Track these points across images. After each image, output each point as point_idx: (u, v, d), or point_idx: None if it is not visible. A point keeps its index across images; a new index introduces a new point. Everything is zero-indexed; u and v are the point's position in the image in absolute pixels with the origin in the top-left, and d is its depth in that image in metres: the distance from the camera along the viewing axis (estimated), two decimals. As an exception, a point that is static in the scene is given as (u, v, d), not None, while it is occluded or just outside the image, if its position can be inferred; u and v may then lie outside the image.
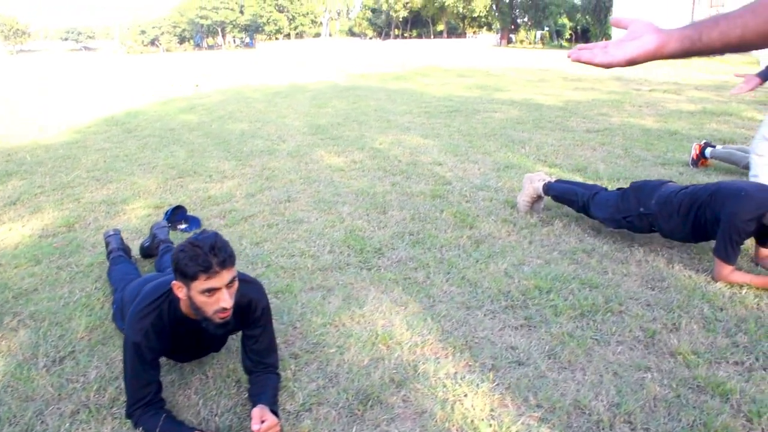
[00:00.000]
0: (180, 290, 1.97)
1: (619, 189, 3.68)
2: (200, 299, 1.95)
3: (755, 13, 1.02)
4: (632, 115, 8.90)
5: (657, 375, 2.29)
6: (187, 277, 1.92)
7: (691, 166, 5.52)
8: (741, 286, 2.97)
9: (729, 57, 28.47)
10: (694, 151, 5.54)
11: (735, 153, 5.34)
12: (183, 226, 4.14)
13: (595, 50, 1.17)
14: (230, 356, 2.50)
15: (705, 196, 3.13)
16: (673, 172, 5.38)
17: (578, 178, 5.09)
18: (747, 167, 5.09)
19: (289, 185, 5.14)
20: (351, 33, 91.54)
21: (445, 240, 3.67)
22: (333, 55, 34.78)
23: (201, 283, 1.91)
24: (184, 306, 2.06)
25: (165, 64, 30.81)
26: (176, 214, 4.18)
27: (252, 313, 2.18)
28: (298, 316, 2.83)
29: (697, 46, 1.11)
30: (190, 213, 4.33)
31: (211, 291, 1.92)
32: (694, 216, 3.14)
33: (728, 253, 2.97)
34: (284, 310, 2.88)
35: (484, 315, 2.75)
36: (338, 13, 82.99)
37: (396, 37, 71.73)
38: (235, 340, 2.50)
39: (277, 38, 76.82)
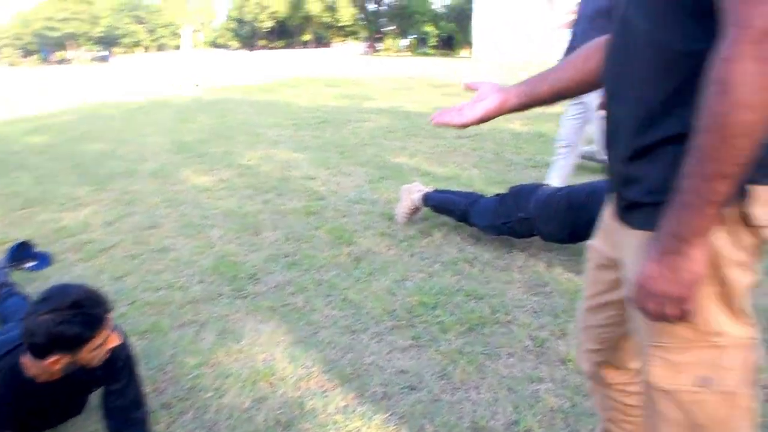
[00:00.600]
0: (54, 364, 1.70)
1: (497, 195, 3.68)
2: (90, 356, 1.73)
3: (572, 68, 1.34)
4: (501, 120, 9.17)
5: (551, 385, 2.25)
6: (79, 343, 1.68)
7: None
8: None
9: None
10: None
11: (600, 152, 5.60)
12: (30, 264, 3.68)
13: (452, 113, 1.42)
14: (90, 417, 2.18)
15: (581, 197, 3.17)
16: (543, 174, 5.54)
17: (454, 185, 5.10)
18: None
19: (153, 210, 4.76)
20: (214, 45, 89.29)
21: (323, 260, 3.51)
22: (196, 67, 33.65)
23: (96, 341, 1.72)
24: (35, 370, 1.76)
25: (5, 79, 28.39)
26: (22, 251, 3.71)
27: (113, 365, 1.91)
28: (168, 358, 2.55)
29: (532, 100, 1.39)
30: (38, 249, 3.87)
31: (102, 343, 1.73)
32: (572, 217, 3.18)
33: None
34: (152, 352, 2.59)
35: (370, 338, 2.61)
36: (201, 24, 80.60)
37: (262, 48, 70.74)
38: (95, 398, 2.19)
39: (135, 51, 73.44)
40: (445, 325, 2.67)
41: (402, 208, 4.04)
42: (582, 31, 4.05)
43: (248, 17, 72.02)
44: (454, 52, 61.45)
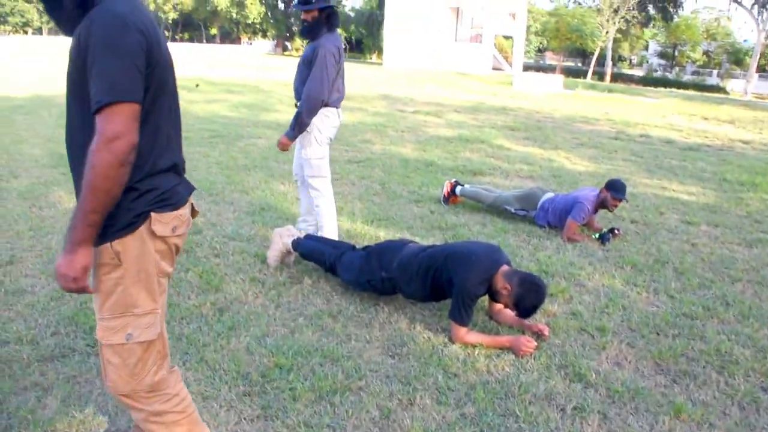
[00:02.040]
0: None
1: (364, 248, 3.79)
2: None
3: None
4: (394, 142, 9.37)
5: (387, 463, 2.35)
6: None
7: (443, 203, 5.93)
8: (475, 347, 3.20)
9: (487, 76, 31.55)
10: (446, 189, 5.96)
11: (481, 192, 5.83)
12: None
13: None
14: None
15: (440, 259, 3.33)
16: (425, 210, 5.73)
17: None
18: (492, 206, 5.61)
19: (15, 240, 4.53)
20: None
21: (186, 309, 3.47)
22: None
23: None
24: None
25: None
26: None
27: None
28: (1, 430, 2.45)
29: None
30: None
31: None
32: (431, 279, 3.33)
33: (462, 316, 3.18)
34: (-16, 421, 2.48)
35: (220, 406, 2.63)
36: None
37: (166, 39, 68.33)
38: None
39: (25, 32, 69.06)
40: (296, 393, 2.71)
41: (273, 252, 4.07)
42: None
43: (151, 6, 69.39)
44: (364, 56, 61.79)
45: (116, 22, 1.62)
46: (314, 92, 4.07)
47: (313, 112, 4.14)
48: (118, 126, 1.57)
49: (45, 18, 67.31)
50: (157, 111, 1.76)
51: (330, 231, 4.41)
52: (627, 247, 5.00)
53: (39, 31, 69.08)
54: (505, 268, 3.28)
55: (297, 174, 4.64)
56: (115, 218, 1.69)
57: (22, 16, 65.94)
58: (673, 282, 4.31)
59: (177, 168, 1.90)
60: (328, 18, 4.09)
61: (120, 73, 1.60)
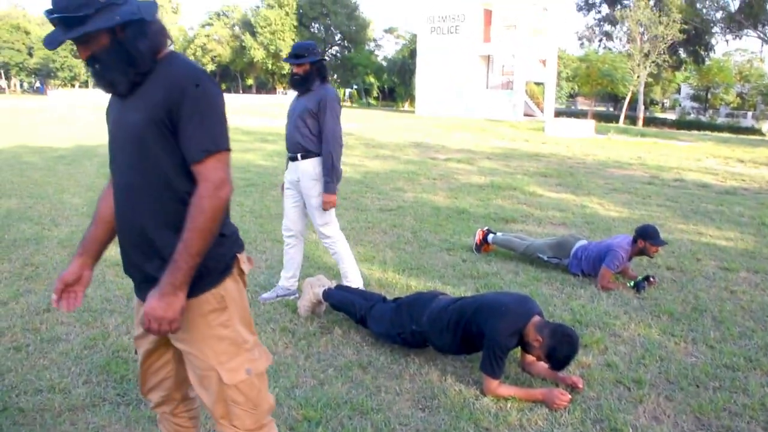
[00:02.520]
0: None
1: (395, 300, 3.76)
2: None
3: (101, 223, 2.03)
4: (426, 190, 9.39)
5: None
6: None
7: (475, 251, 5.87)
8: (507, 400, 3.11)
9: (518, 122, 31.65)
10: (478, 237, 5.91)
11: (513, 240, 5.77)
12: None
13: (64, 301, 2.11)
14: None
15: (470, 311, 3.28)
16: (457, 259, 5.68)
17: (365, 269, 5.16)
18: (525, 253, 5.53)
19: (53, 288, 4.60)
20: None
21: (217, 360, 3.47)
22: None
23: None
24: None
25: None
26: None
27: None
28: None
29: (98, 252, 2.10)
30: None
31: None
32: (462, 331, 3.28)
33: (494, 368, 3.11)
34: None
35: (248, 460, 2.58)
36: (142, 62, 79.56)
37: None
38: None
39: (73, 85, 71.86)
40: (324, 447, 2.67)
41: (304, 302, 4.06)
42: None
43: (191, 58, 71.75)
44: (397, 104, 62.64)
45: (207, 76, 1.74)
46: (339, 138, 4.20)
47: (340, 157, 4.22)
48: (222, 173, 1.69)
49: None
50: None
51: (354, 275, 4.41)
52: (663, 295, 4.87)
53: (85, 84, 71.75)
54: (536, 319, 3.21)
55: (292, 229, 4.52)
56: (214, 265, 1.78)
57: (71, 71, 68.65)
58: (712, 331, 4.16)
59: None
60: (319, 70, 4.21)
61: (220, 123, 1.72)
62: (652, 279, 5.04)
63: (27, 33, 70.77)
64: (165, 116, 1.68)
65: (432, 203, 8.28)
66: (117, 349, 3.60)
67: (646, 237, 5.06)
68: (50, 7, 1.64)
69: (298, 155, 4.26)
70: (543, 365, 3.38)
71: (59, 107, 32.78)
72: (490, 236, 5.85)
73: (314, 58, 4.15)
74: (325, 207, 4.23)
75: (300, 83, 4.22)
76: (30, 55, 70.61)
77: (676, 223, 7.73)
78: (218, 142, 1.70)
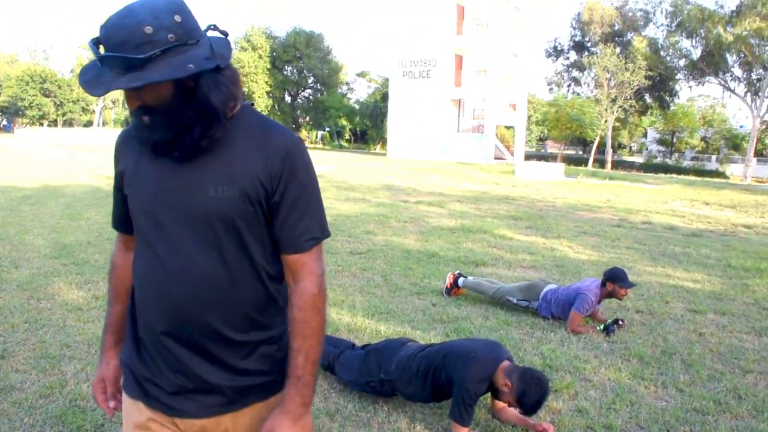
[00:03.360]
0: None
1: (363, 347, 3.71)
2: None
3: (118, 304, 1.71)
4: (396, 233, 9.38)
5: None
6: None
7: (445, 295, 5.85)
8: (473, 446, 3.06)
9: (489, 165, 32.07)
10: (449, 281, 5.90)
11: (483, 283, 5.77)
12: None
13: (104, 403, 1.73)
14: None
15: (439, 358, 3.24)
16: (427, 303, 5.64)
17: (334, 314, 5.10)
18: (494, 297, 5.53)
19: (9, 333, 4.46)
20: (127, 123, 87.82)
21: (179, 409, 3.36)
22: (102, 148, 32.85)
23: None
24: None
25: None
26: None
27: None
28: None
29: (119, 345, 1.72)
30: None
31: None
32: (432, 379, 3.23)
33: (462, 416, 3.06)
34: None
35: None
36: (113, 102, 79.33)
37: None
38: None
39: (41, 124, 71.15)
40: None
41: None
42: None
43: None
44: (369, 146, 63.15)
45: (304, 147, 1.46)
46: None
47: None
48: (323, 263, 1.48)
49: (60, 111, 69.57)
50: None
51: None
52: (633, 339, 4.89)
53: (54, 123, 71.15)
54: (505, 363, 3.18)
55: None
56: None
57: (39, 109, 68.06)
58: (681, 375, 4.17)
59: None
60: None
61: (322, 207, 1.48)
62: (621, 322, 5.07)
63: (-5, 71, 70.21)
64: (262, 191, 1.38)
65: (402, 246, 8.27)
66: (74, 398, 3.47)
67: (615, 280, 5.10)
68: (98, 38, 1.26)
69: None
70: (513, 412, 3.34)
71: (26, 146, 32.37)
72: (461, 280, 5.84)
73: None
74: None
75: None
76: (-2, 93, 69.92)
77: (644, 265, 7.82)
78: (325, 226, 1.47)
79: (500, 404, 3.37)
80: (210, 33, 1.35)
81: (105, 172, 18.32)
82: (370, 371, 3.45)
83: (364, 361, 3.53)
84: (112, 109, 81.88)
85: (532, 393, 3.03)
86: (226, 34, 1.37)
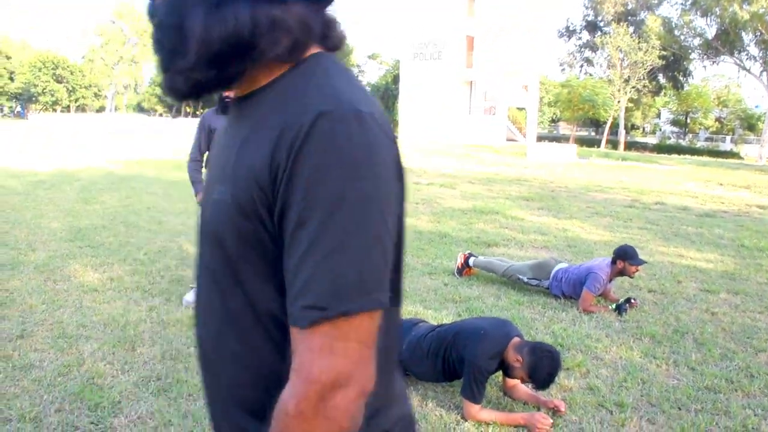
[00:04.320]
0: None
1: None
2: None
3: None
4: (408, 214, 9.29)
5: None
6: None
7: (456, 275, 5.86)
8: (488, 425, 3.08)
9: (501, 147, 31.93)
10: (460, 260, 5.90)
11: (494, 262, 5.78)
12: None
13: None
14: None
15: (449, 338, 3.26)
16: (439, 283, 5.66)
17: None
18: (505, 275, 5.54)
19: (27, 313, 4.53)
20: (139, 108, 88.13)
21: (194, 386, 3.41)
22: (115, 133, 33.02)
23: None
24: None
25: None
26: None
27: None
28: None
29: None
30: None
31: None
32: (442, 359, 3.26)
33: (474, 393, 3.08)
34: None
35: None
36: (125, 87, 79.55)
37: (187, 114, 70.23)
38: None
39: (54, 110, 71.52)
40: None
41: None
42: None
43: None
44: (380, 129, 63.02)
45: (363, 133, 0.81)
46: None
47: None
48: (345, 363, 0.78)
49: (73, 97, 69.91)
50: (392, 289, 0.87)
51: None
52: (645, 318, 4.88)
53: (67, 108, 71.51)
54: (516, 340, 3.20)
55: None
56: None
57: (52, 95, 68.40)
58: (693, 353, 4.17)
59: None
60: None
61: (366, 252, 0.79)
62: (633, 301, 5.06)
63: (8, 57, 70.55)
64: (261, 199, 0.84)
65: (414, 227, 8.27)
66: (92, 376, 3.52)
67: (625, 257, 5.09)
68: None
69: None
70: (525, 389, 3.36)
71: (41, 131, 32.58)
72: (472, 259, 5.84)
73: None
74: None
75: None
76: (11, 79, 70.30)
77: (657, 245, 7.78)
78: (353, 293, 0.78)
79: (512, 382, 3.39)
80: None
81: (118, 156, 18.43)
82: (380, 351, 3.47)
83: (375, 340, 3.55)
84: (124, 94, 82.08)
85: (543, 366, 3.04)
86: None
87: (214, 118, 4.62)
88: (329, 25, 0.93)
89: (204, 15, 0.83)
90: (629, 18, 49.35)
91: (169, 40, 0.88)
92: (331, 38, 0.93)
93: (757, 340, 4.47)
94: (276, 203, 0.81)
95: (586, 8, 53.61)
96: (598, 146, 44.81)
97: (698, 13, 44.65)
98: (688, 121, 60.35)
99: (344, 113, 0.81)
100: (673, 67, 50.01)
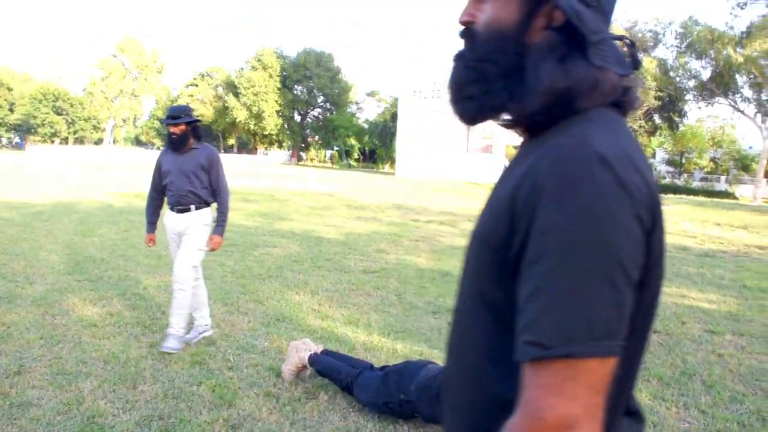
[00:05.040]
0: None
1: (382, 369, 3.68)
2: None
3: None
4: (408, 252, 9.36)
5: None
6: None
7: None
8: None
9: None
10: None
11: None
12: None
13: None
14: None
15: None
16: (442, 322, 5.60)
17: (349, 332, 5.08)
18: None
19: (25, 348, 4.45)
20: (137, 142, 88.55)
21: (197, 426, 3.33)
22: (113, 166, 33.08)
23: None
24: None
25: None
26: None
27: None
28: None
29: None
30: None
31: None
32: None
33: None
34: None
35: None
36: (124, 120, 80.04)
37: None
38: None
39: (53, 141, 71.80)
40: None
41: (288, 365, 3.96)
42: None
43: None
44: (377, 165, 63.35)
45: (605, 189, 0.81)
46: (228, 190, 4.89)
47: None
48: (573, 406, 0.78)
49: (72, 129, 70.23)
50: (633, 338, 0.90)
51: (206, 310, 4.97)
52: (651, 359, 4.83)
53: (65, 140, 71.77)
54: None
55: (186, 277, 4.73)
56: None
57: (51, 127, 68.71)
58: (702, 396, 4.11)
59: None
60: (194, 130, 4.76)
61: (597, 298, 0.80)
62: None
63: (10, 89, 71.08)
64: (503, 230, 0.90)
65: (415, 265, 8.24)
66: (92, 415, 3.45)
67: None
68: None
69: (192, 207, 4.74)
70: None
71: (39, 162, 32.60)
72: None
73: (189, 119, 4.68)
74: (215, 247, 4.87)
75: (178, 142, 4.71)
76: (11, 110, 70.71)
77: (659, 285, 7.74)
78: (580, 335, 0.79)
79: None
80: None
81: (116, 189, 18.42)
82: (389, 392, 3.41)
83: (383, 381, 3.49)
84: (123, 127, 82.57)
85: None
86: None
87: (164, 156, 4.92)
88: (626, 91, 0.98)
89: (552, 67, 0.91)
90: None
91: (497, 77, 0.97)
92: (623, 102, 0.98)
93: (765, 383, 4.42)
94: (515, 236, 0.87)
95: (582, 49, 54.36)
96: (595, 185, 44.88)
97: (693, 55, 45.37)
98: (684, 161, 60.85)
99: (585, 157, 0.83)
100: (668, 107, 50.60)
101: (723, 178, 57.38)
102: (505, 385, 0.91)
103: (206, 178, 4.76)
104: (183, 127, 4.67)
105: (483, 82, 0.99)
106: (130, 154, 54.40)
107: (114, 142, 79.40)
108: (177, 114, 4.68)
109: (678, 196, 35.75)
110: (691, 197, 34.91)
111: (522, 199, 0.86)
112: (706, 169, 62.05)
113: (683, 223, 16.35)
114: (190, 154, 4.74)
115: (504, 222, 0.89)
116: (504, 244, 0.89)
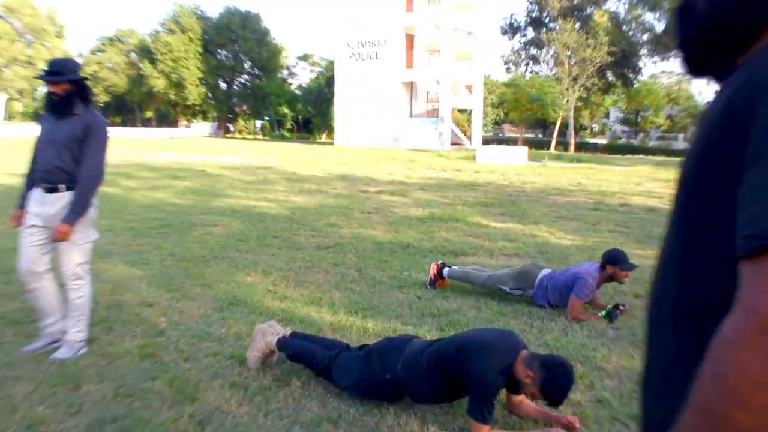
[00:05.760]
0: None
1: (361, 348, 3.63)
2: None
3: None
4: (362, 225, 9.32)
5: None
6: None
7: (429, 288, 5.80)
8: (498, 447, 3.02)
9: (446, 151, 32.29)
10: (432, 272, 5.84)
11: (471, 272, 5.75)
12: None
13: None
14: None
15: (451, 351, 3.19)
16: (411, 297, 5.60)
17: (313, 312, 5.01)
18: (485, 285, 5.52)
19: None
20: (37, 117, 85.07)
21: (160, 425, 3.21)
22: (10, 144, 31.67)
23: None
24: None
25: None
26: None
27: None
28: None
29: None
30: None
31: None
32: (444, 376, 3.17)
33: (483, 413, 3.00)
34: None
35: None
36: (20, 93, 76.57)
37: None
38: None
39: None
40: None
41: (254, 351, 3.86)
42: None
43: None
44: (313, 135, 62.83)
45: None
46: (100, 170, 4.13)
47: (97, 192, 4.14)
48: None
49: None
50: None
51: (84, 327, 4.24)
52: (637, 324, 4.94)
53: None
54: (524, 353, 3.15)
55: (38, 271, 4.20)
56: None
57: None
58: None
59: None
60: (81, 91, 4.07)
61: None
62: (622, 307, 5.12)
63: None
64: (720, 152, 0.95)
65: (372, 238, 8.21)
66: (31, 423, 3.26)
67: (616, 262, 5.15)
68: None
69: (61, 186, 4.05)
70: (532, 405, 3.32)
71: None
72: (446, 270, 5.80)
73: (74, 77, 4.02)
74: (58, 238, 4.01)
75: (59, 105, 4.03)
76: None
77: (632, 248, 7.92)
78: None
79: (517, 398, 3.34)
80: None
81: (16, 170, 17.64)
82: (373, 373, 3.37)
83: (365, 362, 3.44)
84: (19, 100, 78.96)
85: (557, 380, 2.99)
86: None
87: (43, 122, 4.26)
88: None
89: None
90: (576, 13, 50.88)
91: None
92: None
93: None
94: (734, 144, 0.90)
95: (531, 3, 54.92)
96: (548, 148, 45.92)
97: (646, 7, 46.51)
98: (639, 119, 62.58)
99: None
100: (621, 64, 51.78)
101: (681, 136, 59.36)
102: None
103: (78, 151, 4.03)
104: (66, 86, 3.98)
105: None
106: (27, 130, 52.14)
107: (9, 118, 75.92)
108: (58, 69, 3.98)
109: (636, 156, 36.83)
110: (650, 157, 36.01)
111: (741, 102, 0.90)
112: (662, 128, 64.04)
113: (646, 183, 16.87)
114: (69, 121, 4.02)
115: (723, 132, 0.93)
116: (720, 155, 0.94)
